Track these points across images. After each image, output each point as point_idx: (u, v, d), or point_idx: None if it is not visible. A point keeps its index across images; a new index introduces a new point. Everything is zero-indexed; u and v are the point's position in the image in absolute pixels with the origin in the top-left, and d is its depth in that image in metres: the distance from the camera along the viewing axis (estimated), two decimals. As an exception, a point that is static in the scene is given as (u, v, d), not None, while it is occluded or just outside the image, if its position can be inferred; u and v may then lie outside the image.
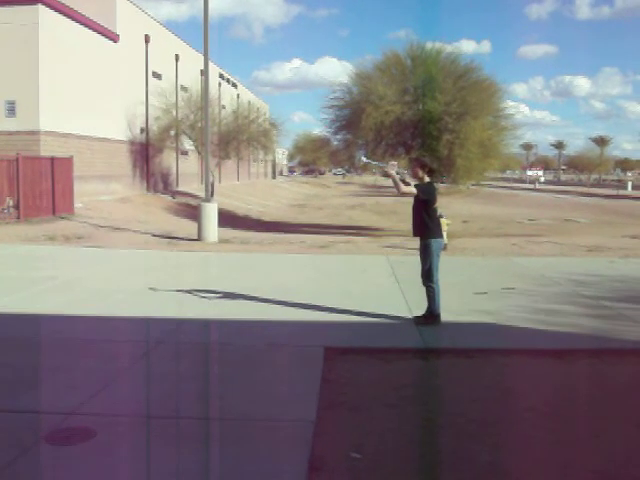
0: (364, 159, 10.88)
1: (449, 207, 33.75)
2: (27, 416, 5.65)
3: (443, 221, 17.45)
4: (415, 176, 8.97)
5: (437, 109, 26.01)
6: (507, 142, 28.70)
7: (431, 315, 8.95)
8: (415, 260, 14.29)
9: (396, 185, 8.68)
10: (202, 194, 28.53)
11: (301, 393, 6.25)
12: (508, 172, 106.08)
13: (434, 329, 8.73)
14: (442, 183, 30.38)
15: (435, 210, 8.89)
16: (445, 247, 17.36)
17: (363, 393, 6.52)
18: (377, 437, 5.41)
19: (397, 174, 8.71)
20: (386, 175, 9.02)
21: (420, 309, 9.41)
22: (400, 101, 27.01)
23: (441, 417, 5.92)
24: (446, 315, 9.12)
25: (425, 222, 8.85)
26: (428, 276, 8.91)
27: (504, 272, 13.55)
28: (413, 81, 27.65)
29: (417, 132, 27.62)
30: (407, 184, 8.80)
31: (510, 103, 28.99)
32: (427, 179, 8.89)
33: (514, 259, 15.67)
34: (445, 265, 14.78)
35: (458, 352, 7.84)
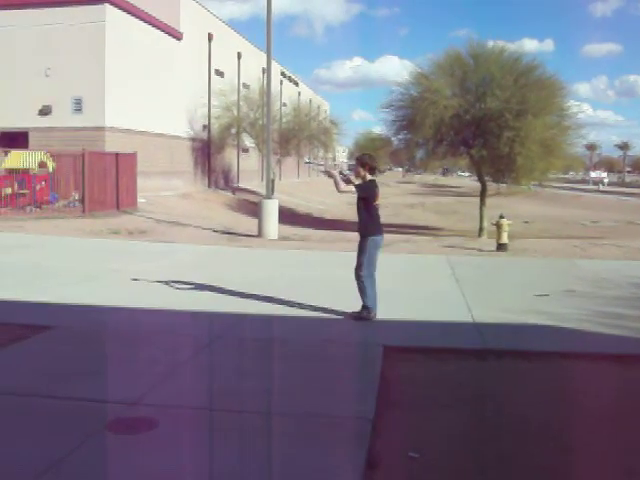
0: (306, 160, 11.22)
1: (510, 207, 33.47)
2: (92, 405, 5.77)
3: (504, 222, 17.41)
4: (357, 175, 9.19)
5: (497, 106, 25.75)
6: (570, 142, 28.24)
7: (364, 309, 9.10)
8: (475, 261, 14.21)
9: (336, 184, 9.05)
10: (262, 191, 28.72)
11: (360, 391, 6.26)
12: (571, 173, 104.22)
13: (495, 329, 8.67)
14: (503, 183, 30.06)
15: (376, 208, 9.11)
16: (505, 247, 17.29)
17: (421, 393, 6.51)
18: (435, 437, 5.40)
19: (341, 174, 9.26)
20: (328, 175, 9.42)
21: (480, 309, 9.38)
22: (458, 96, 26.82)
23: (499, 419, 5.87)
24: (506, 316, 9.05)
25: (364, 219, 9.11)
26: (359, 270, 9.09)
27: (565, 274, 13.36)
28: (474, 80, 27.39)
29: (478, 130, 27.36)
30: (350, 183, 9.14)
31: (573, 102, 28.39)
32: (369, 177, 9.10)
33: (576, 261, 15.43)
34: (506, 266, 14.75)
35: (517, 354, 7.75)
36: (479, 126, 26.95)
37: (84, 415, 5.55)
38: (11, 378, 6.48)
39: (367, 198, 9.05)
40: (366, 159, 9.26)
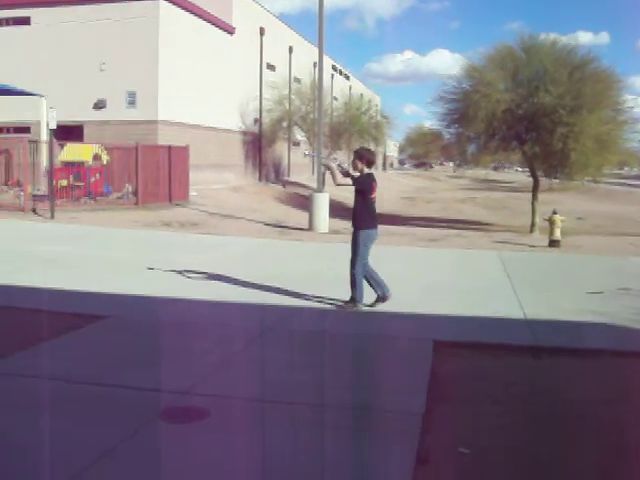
0: (306, 153, 11.27)
1: (563, 204, 32.99)
2: (145, 393, 5.87)
3: (557, 218, 17.17)
4: (355, 168, 9.29)
5: (550, 101, 25.35)
6: (625, 137, 27.68)
7: (352, 300, 9.22)
8: (527, 256, 14.05)
9: (333, 177, 9.20)
10: (313, 184, 28.76)
11: (410, 385, 6.26)
12: (625, 169, 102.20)
13: (547, 326, 8.58)
14: (555, 179, 29.64)
15: (371, 201, 9.18)
16: (558, 244, 17.06)
17: (472, 388, 6.48)
18: (485, 433, 5.37)
19: (339, 167, 9.39)
20: (327, 167, 9.56)
21: (532, 305, 9.31)
22: (511, 90, 26.48)
23: (551, 417, 5.81)
24: (559, 313, 8.95)
25: (359, 213, 9.17)
26: (353, 264, 9.17)
27: (620, 272, 13.13)
28: (526, 73, 27.01)
29: (530, 125, 26.99)
30: (349, 176, 9.22)
31: (629, 97, 27.80)
32: (366, 170, 9.18)
33: (631, 259, 15.17)
34: (558, 262, 14.57)
35: (570, 351, 7.65)
36: (532, 121, 26.59)
37: (137, 403, 5.64)
38: (67, 366, 6.60)
39: (364, 191, 9.12)
40: (364, 152, 9.38)
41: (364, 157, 9.21)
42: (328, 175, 10.45)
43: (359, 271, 9.15)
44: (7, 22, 32.68)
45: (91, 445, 4.77)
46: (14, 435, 4.94)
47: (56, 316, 8.46)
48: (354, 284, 9.19)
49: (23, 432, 4.97)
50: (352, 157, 9.49)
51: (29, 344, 7.21)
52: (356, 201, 9.24)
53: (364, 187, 9.12)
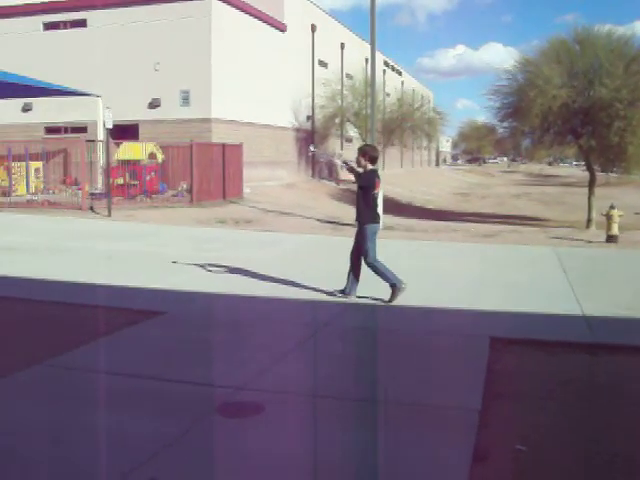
0: (311, 148, 11.44)
1: (620, 198, 32.36)
2: (201, 388, 5.95)
3: (614, 212, 16.88)
4: (359, 164, 9.47)
5: (606, 95, 24.90)
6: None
7: (393, 288, 9.30)
8: (584, 252, 13.86)
9: (336, 171, 9.17)
10: (366, 181, 28.71)
11: (466, 382, 6.22)
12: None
13: (606, 323, 8.45)
14: (612, 173, 29.15)
15: (374, 197, 9.34)
16: (616, 239, 16.77)
17: (529, 386, 6.42)
18: (543, 431, 5.31)
19: (344, 163, 9.71)
20: (331, 164, 9.40)
21: (589, 302, 9.19)
22: (567, 85, 26.05)
23: (611, 415, 5.72)
24: (617, 310, 8.81)
25: (362, 208, 9.33)
26: (367, 258, 9.33)
27: (680, 267, 12.88)
28: (581, 66, 26.56)
29: (586, 119, 26.55)
30: (353, 171, 9.54)
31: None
32: (370, 167, 9.37)
33: (693, 255, 14.85)
34: (616, 258, 14.33)
35: (630, 349, 7.52)
36: (587, 114, 26.16)
37: (194, 398, 5.72)
38: (126, 360, 6.73)
39: (367, 187, 9.30)
40: (367, 149, 9.57)
41: (367, 154, 9.40)
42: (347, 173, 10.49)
43: (376, 260, 9.36)
44: (64, 25, 33.33)
45: (150, 439, 4.86)
46: (75, 428, 5.05)
47: (114, 311, 8.63)
48: (381, 274, 9.36)
49: (83, 425, 5.09)
50: (357, 154, 9.61)
51: (89, 339, 7.35)
52: (358, 196, 9.45)
53: (367, 183, 9.31)
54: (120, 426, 5.09)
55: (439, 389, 6.04)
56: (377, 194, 9.44)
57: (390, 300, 9.29)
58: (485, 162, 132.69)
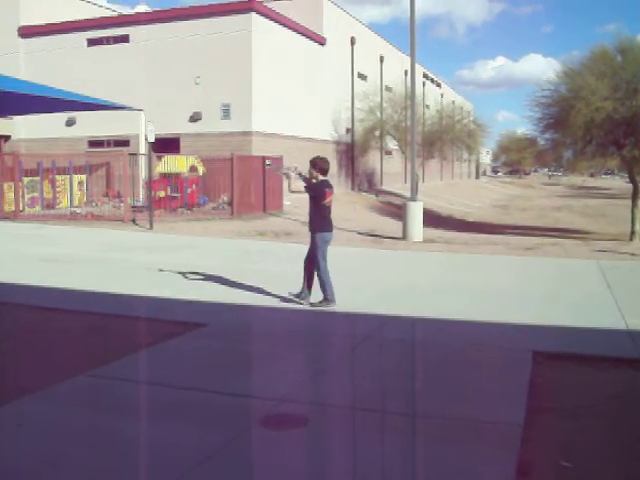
0: (267, 162, 11.86)
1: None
2: (244, 400, 5.97)
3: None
4: (311, 176, 9.95)
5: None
6: None
7: (324, 300, 9.80)
8: (628, 266, 13.66)
9: (289, 185, 10.47)
10: (405, 193, 28.65)
11: (508, 396, 6.17)
12: None
13: None
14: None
15: (324, 206, 9.75)
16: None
17: (573, 401, 6.31)
18: (588, 447, 5.23)
19: (299, 175, 10.16)
20: (286, 176, 10.52)
21: (635, 316, 9.06)
22: (611, 97, 25.74)
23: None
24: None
25: (314, 217, 9.85)
26: (317, 267, 9.78)
27: None
28: (624, 76, 26.21)
29: (629, 130, 26.18)
30: (308, 181, 9.92)
31: None
32: (321, 177, 9.84)
33: None
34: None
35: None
36: (630, 125, 25.82)
37: (237, 409, 5.75)
38: (168, 372, 6.79)
39: (316, 197, 9.76)
40: (317, 161, 9.96)
41: (317, 165, 9.87)
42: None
43: (324, 271, 9.76)
44: (107, 41, 33.82)
45: (192, 450, 4.89)
46: (118, 439, 5.10)
47: (156, 323, 8.72)
48: (321, 284, 9.82)
49: (125, 436, 5.14)
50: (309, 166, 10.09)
51: (132, 350, 7.43)
52: (310, 206, 9.94)
53: (316, 193, 9.77)
54: (162, 437, 5.13)
55: (481, 403, 5.99)
56: (329, 203, 9.86)
57: (313, 304, 9.83)
58: (526, 174, 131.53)
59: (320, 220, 9.79)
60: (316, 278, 9.93)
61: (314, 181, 9.89)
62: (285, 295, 10.28)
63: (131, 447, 4.94)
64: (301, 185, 10.00)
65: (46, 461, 4.70)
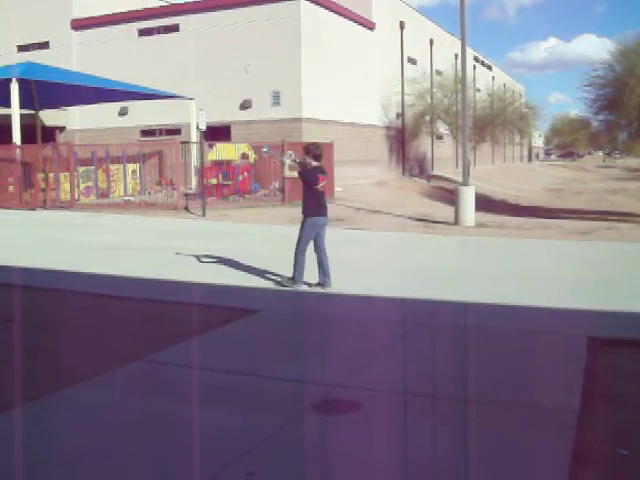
0: (264, 149, 11.93)
1: None
2: (298, 385, 6.01)
3: None
4: (304, 162, 10.24)
5: None
6: None
7: (292, 278, 10.23)
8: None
9: (282, 170, 10.72)
10: (457, 178, 28.44)
11: (563, 382, 6.11)
12: None
13: None
14: None
15: (317, 191, 10.06)
16: None
17: (631, 388, 6.21)
18: (646, 435, 5.17)
19: (294, 161, 10.42)
20: (281, 162, 10.68)
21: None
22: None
23: None
24: None
25: (306, 201, 10.13)
26: (297, 244, 10.16)
27: None
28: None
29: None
30: (301, 167, 10.24)
31: None
32: (314, 163, 10.09)
33: None
34: None
35: None
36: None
37: (291, 395, 5.80)
38: (223, 357, 6.89)
39: (308, 182, 10.04)
40: (310, 148, 10.26)
41: (310, 152, 10.13)
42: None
43: (301, 250, 10.11)
44: (158, 31, 34.19)
45: (247, 434, 4.96)
46: (174, 424, 5.21)
47: (210, 309, 8.84)
48: (295, 263, 10.14)
49: (182, 420, 5.24)
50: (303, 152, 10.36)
51: (187, 336, 7.54)
52: (304, 191, 10.19)
53: (307, 178, 10.05)
54: (218, 421, 5.21)
55: (533, 388, 5.95)
56: (323, 188, 10.18)
57: (282, 282, 10.37)
58: (579, 157, 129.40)
59: (313, 205, 10.08)
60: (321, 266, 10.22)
61: (308, 167, 10.19)
62: (342, 281, 10.30)
63: (186, 432, 5.01)
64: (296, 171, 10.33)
65: (100, 446, 4.80)
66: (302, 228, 10.17)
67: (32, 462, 4.52)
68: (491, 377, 6.24)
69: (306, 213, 10.13)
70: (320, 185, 10.07)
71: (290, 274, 10.27)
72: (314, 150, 10.20)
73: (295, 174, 10.26)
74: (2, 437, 4.98)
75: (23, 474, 4.36)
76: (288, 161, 10.42)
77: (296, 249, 10.15)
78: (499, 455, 4.68)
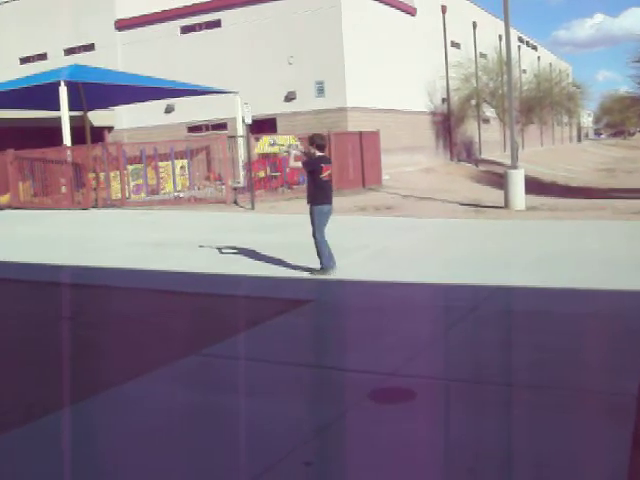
0: (284, 151, 12.59)
1: None
2: (352, 375, 6.05)
3: None
4: (309, 152, 10.64)
5: None
6: None
7: (321, 268, 10.42)
8: None
9: (287, 160, 10.79)
10: (505, 161, 28.15)
11: (621, 366, 6.02)
12: None
13: None
14: None
15: (322, 180, 10.35)
16: None
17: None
18: None
19: (301, 152, 11.04)
20: (288, 154, 11.28)
21: None
22: None
23: None
24: None
25: (311, 190, 10.52)
26: (313, 237, 10.43)
27: None
28: None
29: None
30: (307, 156, 10.71)
31: None
32: (318, 154, 10.45)
33: None
34: None
35: None
36: None
37: (346, 384, 5.84)
38: (277, 349, 6.95)
39: (313, 172, 10.40)
40: (315, 138, 10.64)
41: (314, 142, 10.52)
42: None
43: (320, 240, 10.38)
44: (200, 27, 34.43)
45: (306, 424, 5.01)
46: (229, 415, 5.28)
47: (263, 301, 8.93)
48: (319, 252, 10.41)
49: (237, 412, 5.29)
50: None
51: (241, 329, 7.61)
52: (309, 181, 10.68)
53: (311, 168, 10.42)
54: (273, 412, 5.26)
55: (592, 373, 5.89)
56: (327, 177, 10.47)
57: (313, 273, 10.51)
58: (630, 135, 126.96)
59: (318, 193, 10.40)
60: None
61: (312, 158, 10.53)
62: (393, 267, 10.30)
63: (242, 423, 5.07)
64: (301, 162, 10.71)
65: (161, 436, 4.90)
66: (312, 218, 10.47)
67: (101, 452, 4.64)
68: (548, 361, 6.18)
69: (312, 202, 10.47)
70: (324, 174, 10.38)
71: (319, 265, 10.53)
72: (318, 140, 10.58)
73: (299, 164, 10.73)
74: (74, 429, 5.08)
75: (92, 463, 4.46)
76: (294, 152, 10.87)
77: (315, 239, 10.42)
78: (558, 440, 4.63)
